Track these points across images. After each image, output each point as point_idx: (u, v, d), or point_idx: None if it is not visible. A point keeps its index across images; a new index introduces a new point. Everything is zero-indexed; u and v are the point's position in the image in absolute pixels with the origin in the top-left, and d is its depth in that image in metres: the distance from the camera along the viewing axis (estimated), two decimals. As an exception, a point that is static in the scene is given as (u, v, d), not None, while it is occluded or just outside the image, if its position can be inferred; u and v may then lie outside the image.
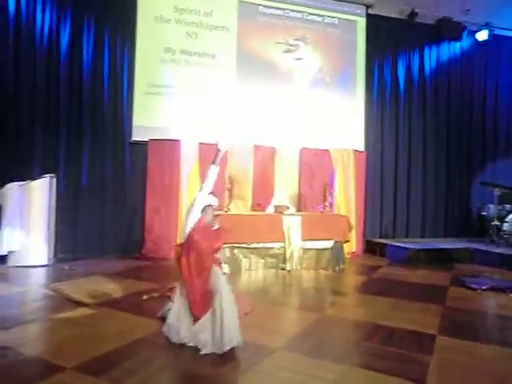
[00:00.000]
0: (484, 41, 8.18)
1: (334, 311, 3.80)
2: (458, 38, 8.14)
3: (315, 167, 6.81)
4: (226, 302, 2.69)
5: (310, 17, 7.30)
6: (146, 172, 6.28)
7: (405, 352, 2.78)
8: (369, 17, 7.58)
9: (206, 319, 2.70)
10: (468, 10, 7.93)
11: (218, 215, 5.26)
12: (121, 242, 6.21)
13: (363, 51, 7.56)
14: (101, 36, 6.29)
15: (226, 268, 5.19)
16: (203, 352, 2.62)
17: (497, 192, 7.20)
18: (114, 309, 3.52)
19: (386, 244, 6.91)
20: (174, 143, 6.23)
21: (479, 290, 4.56)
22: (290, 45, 7.14)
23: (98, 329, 3.05)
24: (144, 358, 2.55)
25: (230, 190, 5.79)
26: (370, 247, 7.13)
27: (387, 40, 7.75)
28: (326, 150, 6.92)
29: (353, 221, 6.56)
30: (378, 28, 7.64)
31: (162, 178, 6.16)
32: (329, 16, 7.39)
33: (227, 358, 2.59)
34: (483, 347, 2.95)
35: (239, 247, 5.35)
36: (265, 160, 6.66)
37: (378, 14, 7.66)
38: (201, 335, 2.68)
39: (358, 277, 5.39)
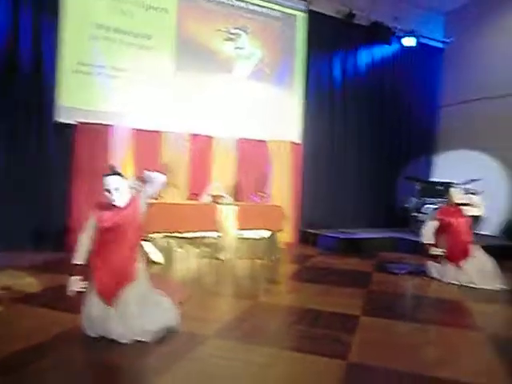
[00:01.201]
0: (410, 47, 8.76)
1: (268, 298, 3.93)
2: (387, 42, 8.65)
3: (252, 158, 6.92)
4: (143, 291, 2.69)
5: (252, 7, 7.31)
6: (73, 157, 5.79)
7: (331, 332, 2.95)
8: (309, 13, 7.75)
9: (121, 308, 2.60)
10: (397, 17, 8.47)
11: (151, 203, 5.22)
12: (40, 234, 5.69)
13: (303, 46, 7.71)
14: (19, 5, 5.62)
15: (159, 257, 5.15)
16: (124, 342, 2.56)
17: (417, 186, 7.83)
18: (29, 305, 3.29)
19: (318, 234, 7.21)
20: (105, 127, 5.92)
21: (399, 275, 4.97)
22: (231, 33, 7.08)
23: (9, 327, 2.84)
24: (62, 355, 2.43)
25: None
26: (304, 237, 7.39)
27: (325, 37, 7.98)
28: (264, 141, 7.05)
29: (288, 211, 6.77)
30: (317, 25, 7.82)
31: (91, 164, 5.70)
32: (270, 8, 7.45)
33: (157, 347, 2.58)
34: (399, 324, 3.24)
35: (173, 236, 5.30)
36: (201, 149, 6.63)
37: (318, 11, 7.86)
38: (119, 326, 2.57)
39: (291, 265, 5.59)
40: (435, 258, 4.80)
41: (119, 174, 2.71)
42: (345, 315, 3.36)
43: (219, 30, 6.99)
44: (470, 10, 8.71)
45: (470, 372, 2.40)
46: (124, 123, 6.10)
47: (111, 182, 2.66)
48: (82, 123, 5.90)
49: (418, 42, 8.74)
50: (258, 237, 5.75)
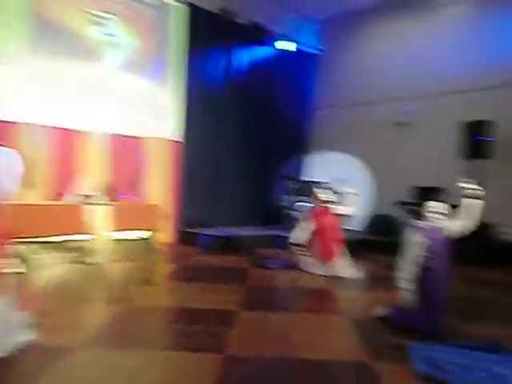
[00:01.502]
0: (286, 51, 9.24)
1: (143, 300, 3.72)
2: (267, 44, 8.98)
3: (126, 155, 6.52)
4: None
5: None
6: None
7: (208, 329, 2.93)
8: (187, 5, 7.52)
9: None
10: (276, 21, 8.88)
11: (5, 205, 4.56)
12: None
13: (180, 38, 7.42)
14: None
15: (18, 266, 4.52)
16: None
17: (292, 185, 8.33)
18: None
19: (197, 233, 7.15)
20: None
21: (274, 269, 5.19)
22: (100, 17, 6.45)
23: None
24: None
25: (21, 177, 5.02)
26: (184, 237, 7.24)
27: (206, 33, 7.84)
28: (139, 138, 6.69)
29: (166, 211, 6.57)
30: (195, 18, 7.60)
31: None
32: None
33: (13, 364, 2.26)
34: (273, 315, 3.38)
35: (36, 242, 4.72)
36: (66, 144, 5.98)
37: (197, 4, 7.67)
38: None
39: (169, 266, 5.44)
40: (304, 254, 5.16)
41: None
42: (222, 311, 3.37)
43: (85, 11, 6.28)
44: (341, 21, 9.53)
45: (333, 351, 2.63)
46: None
47: None
48: None
49: (293, 47, 9.22)
50: (133, 238, 5.45)
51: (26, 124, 5.68)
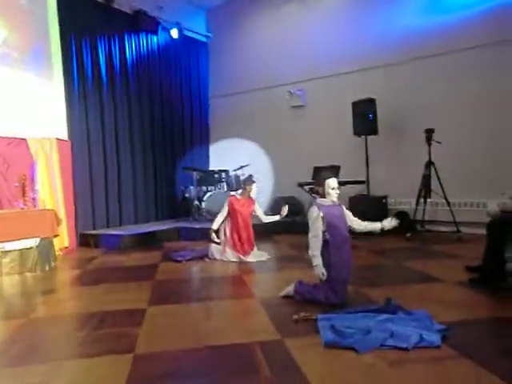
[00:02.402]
0: (176, 39, 9.10)
1: (43, 312, 3.55)
2: (154, 32, 8.71)
3: (10, 158, 5.92)
4: None
5: None
6: None
7: (117, 330, 2.90)
8: None
9: None
10: (161, 7, 8.65)
11: None
12: None
13: (57, 29, 6.87)
14: None
15: None
16: None
17: (196, 175, 8.35)
18: None
19: (99, 234, 6.87)
20: None
21: (184, 261, 5.22)
22: None
23: None
24: None
25: None
26: (85, 240, 6.91)
27: (84, 21, 7.36)
28: (23, 139, 6.12)
29: (62, 214, 6.18)
30: (71, 6, 7.10)
31: None
32: None
33: None
34: (183, 306, 3.43)
35: None
36: None
37: None
38: None
39: (71, 271, 5.16)
40: (216, 242, 5.28)
41: None
42: (131, 310, 3.34)
43: None
44: (229, 7, 9.64)
45: (245, 334, 2.74)
46: None
47: None
48: None
49: (182, 34, 9.12)
50: (26, 247, 5.06)
51: None
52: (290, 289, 3.44)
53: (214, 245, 5.30)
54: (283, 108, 8.99)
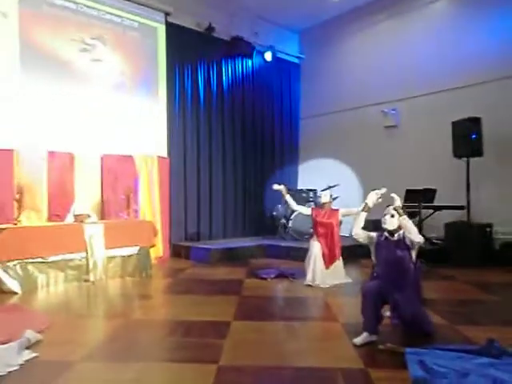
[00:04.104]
0: (269, 61, 9.42)
1: (140, 315, 3.86)
2: (249, 56, 9.12)
3: (118, 174, 6.65)
4: None
5: (108, 16, 6.97)
6: None
7: (203, 340, 3.04)
8: (168, 25, 7.73)
9: None
10: (256, 32, 9.07)
11: (3, 228, 4.68)
12: None
13: (164, 58, 7.65)
14: None
15: (16, 286, 4.62)
16: None
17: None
18: None
19: (190, 247, 7.26)
20: None
21: (269, 279, 5.28)
22: (87, 44, 6.68)
23: None
24: None
25: (19, 201, 5.15)
26: (177, 251, 7.37)
27: (187, 50, 8.05)
28: (130, 156, 6.84)
29: (158, 226, 6.68)
30: (177, 37, 7.85)
31: None
32: (128, 18, 7.21)
33: (14, 381, 2.36)
34: (267, 324, 3.47)
35: (33, 262, 4.82)
36: (62, 167, 6.13)
37: (178, 23, 7.89)
38: None
39: (164, 280, 5.53)
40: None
41: None
42: (217, 322, 3.46)
43: (73, 39, 6.52)
44: (322, 29, 9.75)
45: (328, 358, 2.69)
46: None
47: None
48: None
49: (275, 57, 9.37)
50: (128, 254, 5.56)
51: (25, 151, 5.82)
52: (365, 335, 2.94)
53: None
54: (375, 128, 8.75)
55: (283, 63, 9.91)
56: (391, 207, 3.09)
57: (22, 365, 2.52)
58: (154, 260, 6.36)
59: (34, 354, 2.67)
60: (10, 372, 2.43)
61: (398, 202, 3.12)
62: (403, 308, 2.91)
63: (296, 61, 10.28)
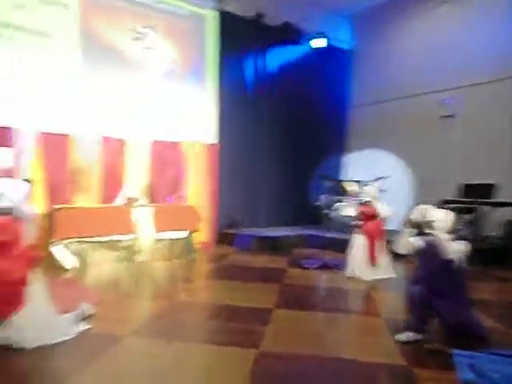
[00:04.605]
0: (319, 48, 9.16)
1: (184, 297, 3.97)
2: (299, 43, 8.97)
3: (167, 159, 6.84)
4: (40, 299, 2.65)
5: (160, 5, 7.10)
6: None
7: (244, 325, 3.08)
8: (219, 12, 7.73)
9: (16, 320, 2.53)
10: (305, 18, 8.88)
11: (60, 209, 4.97)
12: None
13: (214, 45, 7.70)
14: None
15: (73, 262, 4.91)
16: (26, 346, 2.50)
17: (327, 184, 8.34)
18: None
19: (234, 233, 7.36)
20: (4, 131, 5.52)
21: (311, 269, 5.26)
22: (139, 32, 6.85)
23: None
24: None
25: (75, 183, 5.43)
26: (221, 237, 7.48)
27: (236, 37, 8.02)
28: (178, 142, 7.01)
29: (204, 212, 6.82)
30: (227, 24, 7.84)
31: None
32: (179, 6, 7.31)
33: (69, 350, 2.54)
34: (308, 314, 3.46)
35: (87, 241, 5.10)
36: (114, 152, 6.39)
37: (228, 10, 7.88)
38: (18, 335, 2.51)
39: (207, 264, 5.65)
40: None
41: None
42: (259, 309, 3.50)
43: (127, 28, 6.71)
44: (375, 14, 9.33)
45: (369, 353, 2.65)
46: (27, 126, 5.70)
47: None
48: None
49: (325, 43, 9.04)
50: (174, 238, 5.73)
51: (81, 135, 6.13)
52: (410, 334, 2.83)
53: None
54: (430, 117, 8.29)
55: (333, 50, 9.63)
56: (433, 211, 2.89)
57: (76, 334, 2.73)
58: (199, 245, 6.51)
59: (87, 326, 2.87)
60: (66, 340, 2.64)
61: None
62: (446, 316, 2.78)
63: (347, 47, 9.95)
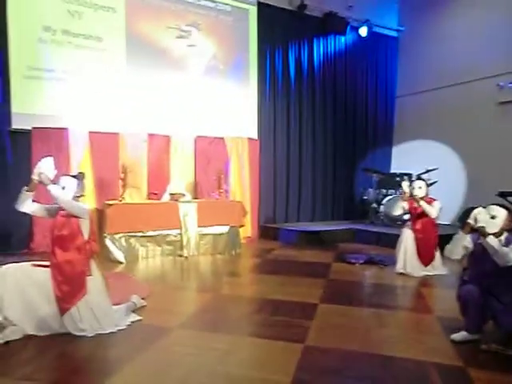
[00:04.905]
0: (365, 37, 8.86)
1: (230, 290, 4.02)
2: (342, 33, 8.68)
3: (210, 155, 6.94)
4: (98, 289, 2.77)
5: (202, 2, 7.19)
6: (31, 162, 5.76)
7: (290, 320, 3.06)
8: (260, 6, 7.71)
9: (77, 309, 2.66)
10: (351, 6, 8.64)
11: (111, 204, 5.18)
12: (5, 239, 5.57)
13: (256, 40, 7.69)
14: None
15: (121, 257, 5.11)
16: (86, 334, 2.65)
17: (375, 178, 8.08)
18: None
19: (278, 228, 7.34)
20: (61, 131, 5.83)
21: (357, 264, 5.14)
22: (183, 30, 7.00)
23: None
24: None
25: (124, 180, 5.62)
26: (265, 232, 7.50)
27: (278, 30, 7.99)
28: (221, 138, 7.08)
29: (248, 207, 6.84)
30: (269, 17, 7.82)
31: None
32: (221, 2, 7.37)
33: (121, 339, 2.65)
34: (355, 309, 3.39)
35: (135, 236, 5.28)
36: (159, 148, 6.58)
37: (270, 3, 7.83)
38: (78, 325, 2.66)
39: (252, 259, 5.67)
40: None
41: (75, 177, 2.90)
42: (304, 303, 3.47)
43: (170, 27, 6.87)
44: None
45: (420, 351, 2.54)
46: (80, 126, 6.00)
47: (63, 179, 2.86)
48: (37, 128, 5.75)
49: (371, 31, 8.78)
50: (218, 232, 5.80)
51: (128, 133, 6.36)
52: (466, 334, 2.69)
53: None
54: (487, 104, 7.78)
55: (379, 37, 9.29)
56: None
57: (128, 325, 2.84)
58: (243, 239, 6.55)
59: (138, 318, 2.98)
60: (118, 330, 2.75)
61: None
62: (501, 318, 2.60)
63: (394, 34, 9.56)
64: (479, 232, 2.60)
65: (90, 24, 6.21)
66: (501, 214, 2.64)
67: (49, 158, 2.85)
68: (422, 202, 4.68)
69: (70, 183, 2.85)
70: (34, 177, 2.75)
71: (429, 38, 8.86)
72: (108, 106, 6.32)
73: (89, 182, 5.99)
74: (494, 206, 2.67)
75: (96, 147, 6.07)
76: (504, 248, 2.54)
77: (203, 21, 7.20)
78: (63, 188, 2.80)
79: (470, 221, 2.65)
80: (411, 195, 4.81)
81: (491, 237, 2.56)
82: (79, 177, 2.91)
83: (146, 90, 6.61)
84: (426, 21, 8.93)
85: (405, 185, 4.89)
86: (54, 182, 2.82)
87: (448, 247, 2.86)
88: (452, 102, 8.35)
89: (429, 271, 4.65)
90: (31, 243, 5.65)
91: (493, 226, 2.61)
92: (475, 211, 2.64)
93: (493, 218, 2.63)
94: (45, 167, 2.78)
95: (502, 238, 2.64)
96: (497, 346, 2.52)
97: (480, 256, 2.64)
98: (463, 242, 2.74)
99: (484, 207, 2.69)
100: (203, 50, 7.21)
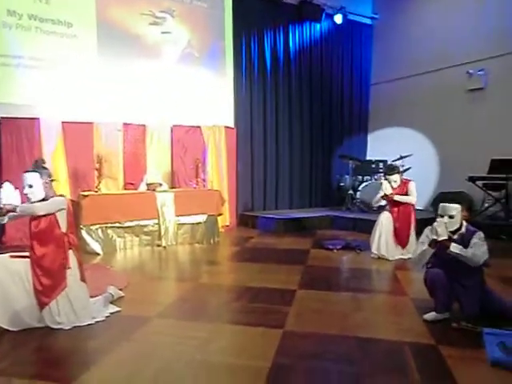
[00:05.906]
0: (340, 24, 8.87)
1: (208, 279, 4.03)
2: (318, 20, 8.67)
3: (187, 144, 6.87)
4: (77, 282, 2.75)
5: None
6: (1, 156, 5.54)
7: (269, 306, 3.11)
8: None
9: (56, 302, 2.64)
10: None
11: (86, 196, 5.08)
12: None
13: (231, 27, 7.58)
14: None
15: (98, 248, 5.05)
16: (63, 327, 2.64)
17: (351, 164, 8.19)
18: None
19: (257, 216, 7.37)
20: (32, 122, 5.65)
21: (335, 250, 5.22)
22: (157, 17, 6.83)
23: None
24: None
25: (99, 170, 5.52)
26: (243, 220, 7.52)
27: (253, 18, 7.91)
28: (198, 127, 7.01)
29: (225, 195, 6.85)
30: (244, 4, 7.72)
31: (20, 159, 5.53)
32: None
33: (99, 331, 2.63)
34: (332, 294, 3.46)
35: (112, 227, 5.22)
36: (135, 138, 6.47)
37: None
38: (55, 318, 2.64)
39: (231, 247, 5.70)
40: None
41: (36, 171, 2.71)
42: (283, 290, 3.52)
43: (143, 13, 6.69)
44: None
45: (396, 332, 2.63)
46: (52, 116, 5.83)
47: (26, 178, 2.69)
48: (5, 119, 5.55)
49: (346, 19, 8.81)
50: (196, 222, 5.79)
51: (103, 123, 6.21)
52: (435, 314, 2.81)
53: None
54: (457, 91, 7.95)
55: (354, 25, 9.33)
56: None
57: (107, 317, 2.83)
58: (222, 228, 6.56)
59: (117, 309, 2.98)
60: (97, 322, 2.74)
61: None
62: (463, 300, 2.78)
63: (369, 22, 9.60)
64: (443, 244, 2.70)
65: (58, 9, 5.96)
66: (456, 210, 2.76)
67: (5, 183, 2.73)
68: (398, 197, 4.77)
69: (34, 179, 2.68)
70: (1, 206, 2.63)
71: (402, 27, 8.96)
72: (81, 95, 6.13)
73: (63, 173, 5.87)
74: (448, 205, 2.78)
75: (69, 137, 5.92)
76: (468, 251, 2.67)
77: (177, 7, 7.03)
78: (30, 186, 2.66)
79: (434, 236, 2.73)
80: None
81: (453, 244, 2.68)
82: (38, 165, 2.74)
83: (119, 78, 6.43)
84: (400, 9, 9.02)
85: (386, 185, 4.91)
86: (17, 187, 2.74)
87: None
88: (424, 89, 8.51)
89: (403, 255, 4.78)
90: (3, 237, 5.50)
91: (453, 224, 2.77)
92: (435, 225, 2.74)
93: (451, 217, 2.75)
94: (5, 196, 2.65)
95: (463, 229, 2.79)
96: (466, 323, 2.63)
97: (442, 245, 2.74)
98: (426, 239, 2.84)
99: (442, 215, 2.78)
100: (178, 37, 7.06)
